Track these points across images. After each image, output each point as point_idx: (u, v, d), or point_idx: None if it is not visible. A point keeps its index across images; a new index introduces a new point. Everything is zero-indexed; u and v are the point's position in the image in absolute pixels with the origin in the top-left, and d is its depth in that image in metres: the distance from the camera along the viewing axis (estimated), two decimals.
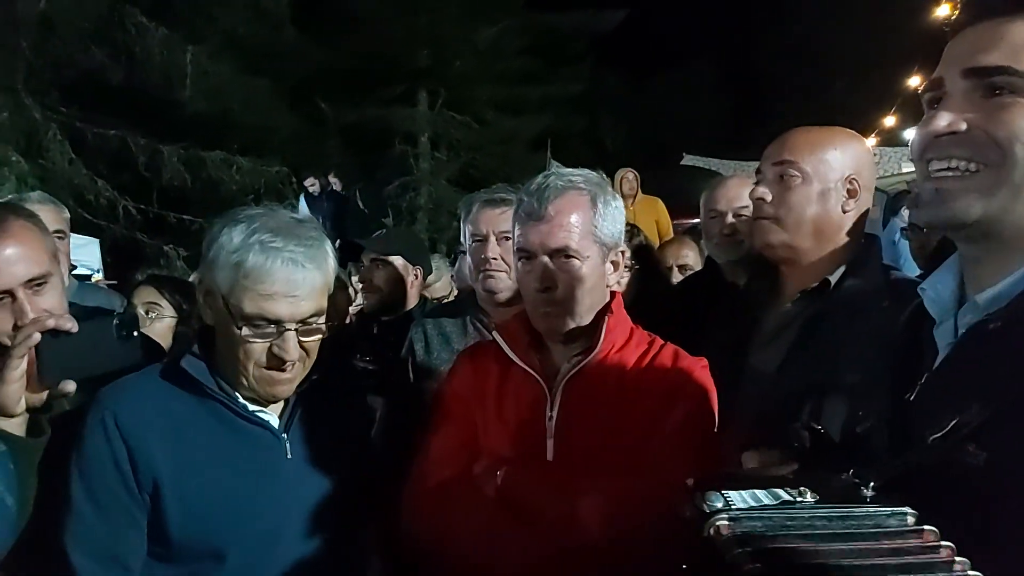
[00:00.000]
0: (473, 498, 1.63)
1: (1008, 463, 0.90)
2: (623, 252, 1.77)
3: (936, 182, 1.03)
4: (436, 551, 1.67)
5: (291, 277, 1.51)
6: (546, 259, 1.66)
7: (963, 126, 0.99)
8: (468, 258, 2.47)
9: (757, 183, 1.93)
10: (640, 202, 8.10)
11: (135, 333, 1.66)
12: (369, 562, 1.84)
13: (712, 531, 0.89)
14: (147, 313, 2.82)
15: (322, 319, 1.60)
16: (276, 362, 1.56)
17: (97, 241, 9.27)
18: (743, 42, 24.20)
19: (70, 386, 1.60)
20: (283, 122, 15.29)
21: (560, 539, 1.54)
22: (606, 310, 1.73)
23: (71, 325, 1.59)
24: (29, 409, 1.61)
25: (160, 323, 2.81)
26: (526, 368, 1.71)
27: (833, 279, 1.83)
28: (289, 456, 1.64)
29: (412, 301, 3.28)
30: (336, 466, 1.68)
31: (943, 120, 1.01)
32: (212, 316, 1.60)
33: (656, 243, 5.19)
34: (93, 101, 12.00)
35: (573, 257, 1.66)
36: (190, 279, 3.88)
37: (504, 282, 2.30)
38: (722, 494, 0.94)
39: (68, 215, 3.23)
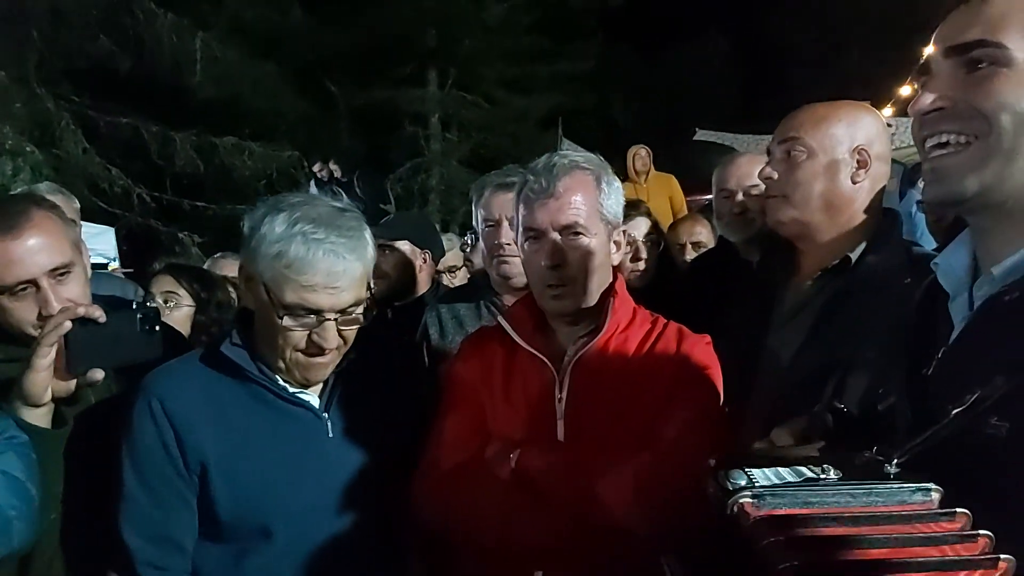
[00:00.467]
0: (487, 481, 1.64)
1: None
2: (624, 231, 1.80)
3: (932, 161, 1.06)
4: (450, 534, 1.70)
5: (332, 269, 1.52)
6: (556, 236, 1.68)
7: (948, 102, 1.02)
8: (481, 242, 2.46)
9: (767, 163, 1.92)
10: (653, 179, 8.03)
11: (157, 327, 1.69)
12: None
13: (736, 508, 0.89)
14: (165, 302, 2.84)
15: (361, 308, 1.62)
16: (315, 349, 1.59)
17: (112, 230, 9.33)
18: (756, 12, 23.80)
19: (98, 374, 1.64)
20: (292, 106, 15.25)
21: (575, 519, 1.55)
22: (610, 291, 1.74)
23: (99, 314, 1.62)
24: (54, 399, 1.64)
25: (178, 312, 2.83)
26: (533, 351, 1.72)
27: (854, 256, 1.80)
28: (331, 435, 1.69)
29: (423, 286, 3.28)
30: (376, 443, 1.72)
31: (927, 99, 1.05)
32: (253, 301, 1.64)
33: (670, 220, 5.16)
34: (104, 90, 12.03)
35: (582, 234, 1.68)
36: (205, 266, 3.90)
37: (519, 267, 2.28)
38: (745, 471, 0.94)
39: (78, 205, 3.25)
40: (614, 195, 1.74)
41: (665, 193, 7.85)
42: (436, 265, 3.50)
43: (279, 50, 14.61)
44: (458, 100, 17.95)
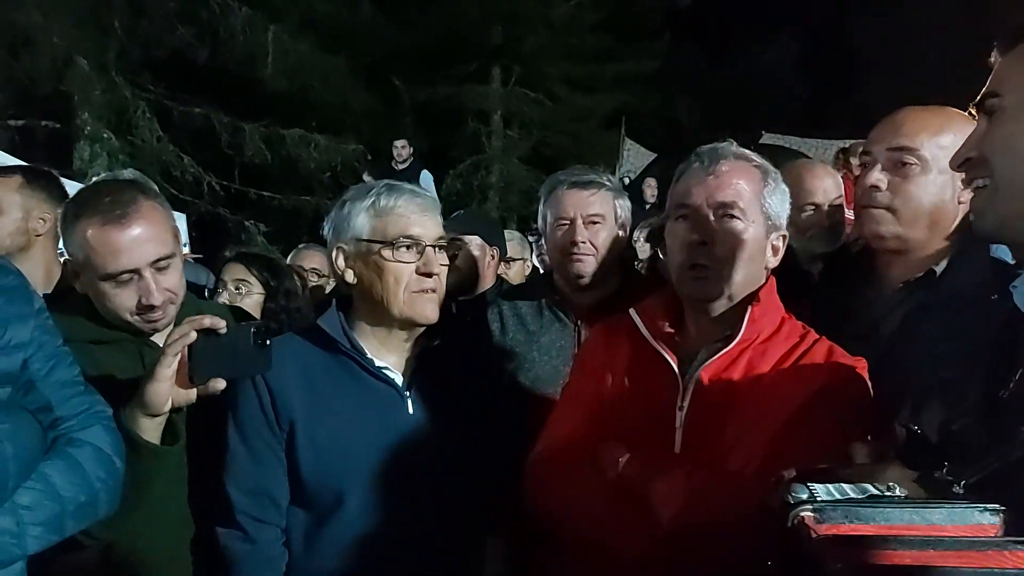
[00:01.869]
0: (592, 479, 1.58)
1: None
2: (784, 237, 1.67)
3: (971, 202, 1.18)
4: (554, 525, 1.67)
5: (418, 201, 1.79)
6: (708, 212, 1.59)
7: (974, 152, 1.12)
8: (547, 241, 2.45)
9: (864, 166, 1.82)
10: None
11: (268, 342, 1.68)
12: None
13: (796, 522, 0.88)
14: (237, 289, 2.90)
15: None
16: (424, 283, 1.75)
17: (184, 216, 9.59)
18: (829, 15, 23.23)
19: (220, 384, 1.67)
20: (359, 100, 15.47)
21: (677, 533, 1.45)
22: (754, 296, 1.61)
23: (222, 325, 1.66)
24: (173, 408, 1.67)
25: (249, 299, 2.88)
26: (660, 350, 1.62)
27: (938, 269, 1.73)
28: (411, 412, 1.78)
29: (488, 281, 3.29)
30: (453, 427, 1.79)
31: (960, 152, 1.17)
32: (355, 270, 1.79)
33: None
34: (180, 79, 12.39)
35: (737, 217, 1.58)
36: (289, 258, 3.96)
37: (591, 265, 2.29)
38: (807, 486, 0.93)
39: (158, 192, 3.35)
40: (780, 195, 1.65)
41: None
42: (500, 264, 3.51)
43: (348, 45, 14.83)
44: (521, 97, 17.93)
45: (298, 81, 13.44)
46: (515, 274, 4.11)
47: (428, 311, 1.78)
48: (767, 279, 1.66)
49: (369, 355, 1.78)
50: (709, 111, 22.08)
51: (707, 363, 1.58)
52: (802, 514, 0.87)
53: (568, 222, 2.32)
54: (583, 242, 2.28)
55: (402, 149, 10.67)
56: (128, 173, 3.33)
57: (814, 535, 0.86)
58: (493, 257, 3.30)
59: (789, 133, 14.89)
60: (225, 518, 1.73)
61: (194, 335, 1.62)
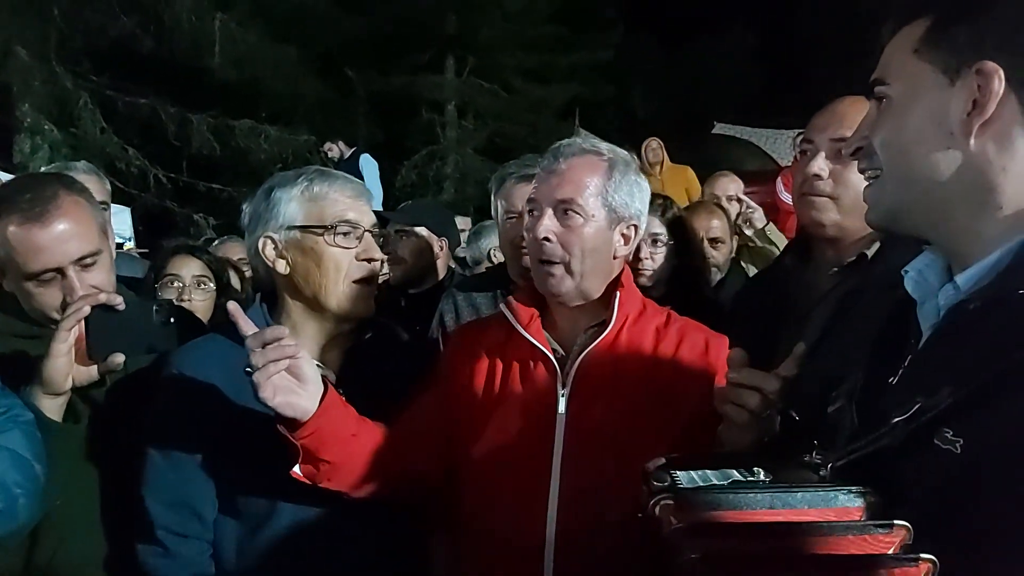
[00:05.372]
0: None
1: (986, 451, 0.84)
2: (635, 227, 1.71)
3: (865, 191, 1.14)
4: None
5: (351, 187, 1.73)
6: (550, 210, 1.63)
7: (864, 141, 1.10)
8: (500, 232, 2.43)
9: (805, 153, 1.83)
10: (668, 171, 7.98)
11: (172, 320, 1.70)
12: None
13: (658, 511, 0.87)
14: (200, 285, 2.78)
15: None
16: (365, 269, 1.70)
17: (128, 210, 9.33)
18: (782, 7, 23.47)
19: (119, 358, 1.64)
20: (310, 90, 15.20)
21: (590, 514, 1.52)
22: (616, 283, 1.69)
23: (119, 301, 1.63)
24: (76, 388, 1.64)
25: (209, 296, 2.77)
26: (534, 341, 1.66)
27: (870, 253, 1.76)
28: None
29: (439, 274, 3.25)
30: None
31: (849, 140, 1.18)
32: (289, 259, 1.69)
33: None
34: (123, 69, 12.03)
35: (575, 213, 1.62)
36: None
37: None
38: (669, 474, 0.92)
39: (109, 187, 3.21)
40: (628, 187, 1.67)
41: (681, 185, 7.77)
42: (453, 253, 3.47)
43: (299, 33, 14.54)
44: (475, 88, 17.86)
45: (247, 70, 13.10)
46: None
47: (367, 305, 1.73)
48: (623, 267, 1.72)
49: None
50: (664, 101, 22.25)
51: (588, 349, 1.63)
52: (661, 503, 0.86)
53: (516, 215, 2.30)
54: None
55: (329, 152, 10.35)
56: (81, 165, 3.18)
57: (671, 525, 0.85)
58: (441, 248, 3.25)
59: (743, 123, 15.05)
60: (144, 533, 1.65)
61: (87, 309, 1.60)
